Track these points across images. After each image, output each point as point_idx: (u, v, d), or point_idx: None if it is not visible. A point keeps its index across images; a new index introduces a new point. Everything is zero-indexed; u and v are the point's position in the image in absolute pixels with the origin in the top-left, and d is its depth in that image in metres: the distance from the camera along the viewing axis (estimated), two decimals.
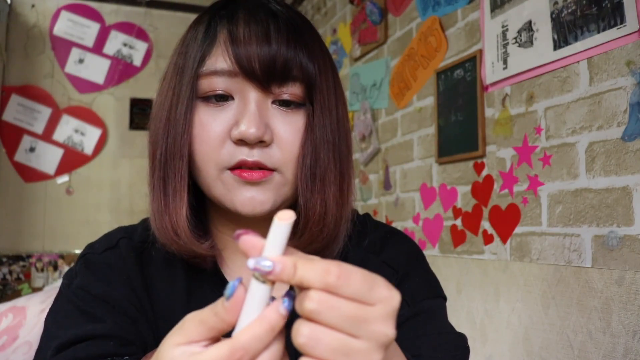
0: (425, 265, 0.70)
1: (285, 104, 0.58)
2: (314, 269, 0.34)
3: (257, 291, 0.34)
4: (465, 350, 0.63)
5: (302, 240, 0.60)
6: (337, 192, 0.60)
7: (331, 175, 0.59)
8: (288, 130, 0.58)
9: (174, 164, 0.58)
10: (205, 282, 0.63)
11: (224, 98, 0.57)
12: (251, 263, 0.34)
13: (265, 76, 0.55)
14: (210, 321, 0.34)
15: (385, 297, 0.35)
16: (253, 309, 0.34)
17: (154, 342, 0.59)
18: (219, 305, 0.34)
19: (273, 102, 0.58)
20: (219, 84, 0.56)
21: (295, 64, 0.56)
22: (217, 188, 0.58)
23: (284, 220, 0.34)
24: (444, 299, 0.68)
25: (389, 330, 0.35)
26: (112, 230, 0.69)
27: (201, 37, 0.58)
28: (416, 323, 0.61)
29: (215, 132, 0.56)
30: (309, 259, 0.35)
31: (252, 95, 0.56)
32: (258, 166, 0.56)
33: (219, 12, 0.59)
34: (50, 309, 0.60)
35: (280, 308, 0.34)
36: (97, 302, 0.58)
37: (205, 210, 0.66)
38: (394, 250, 0.68)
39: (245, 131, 0.55)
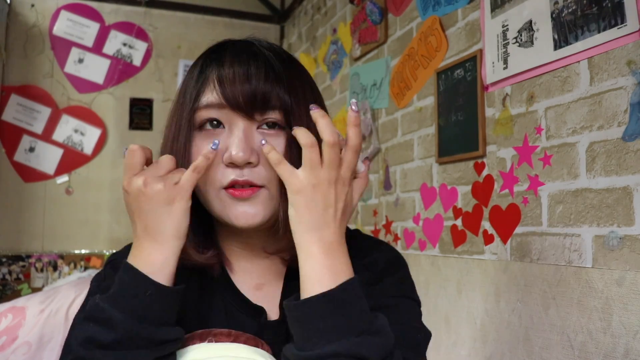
0: (404, 273, 0.77)
1: (268, 125, 0.67)
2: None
3: None
4: (422, 347, 0.69)
5: (282, 244, 0.70)
6: None
7: None
8: None
9: None
10: (214, 286, 0.73)
11: (216, 124, 0.67)
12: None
13: (248, 107, 0.65)
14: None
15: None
16: None
17: None
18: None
19: (258, 127, 0.67)
20: (211, 114, 0.67)
21: (273, 95, 0.66)
22: (216, 205, 0.67)
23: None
24: (415, 301, 0.75)
25: (353, 161, 0.63)
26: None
27: (195, 78, 0.69)
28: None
29: None
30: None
31: (240, 124, 0.66)
32: (248, 184, 0.66)
33: (210, 56, 0.70)
34: (80, 307, 0.70)
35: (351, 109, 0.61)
36: None
37: (212, 225, 0.76)
38: (375, 257, 0.76)
39: (234, 155, 0.64)
